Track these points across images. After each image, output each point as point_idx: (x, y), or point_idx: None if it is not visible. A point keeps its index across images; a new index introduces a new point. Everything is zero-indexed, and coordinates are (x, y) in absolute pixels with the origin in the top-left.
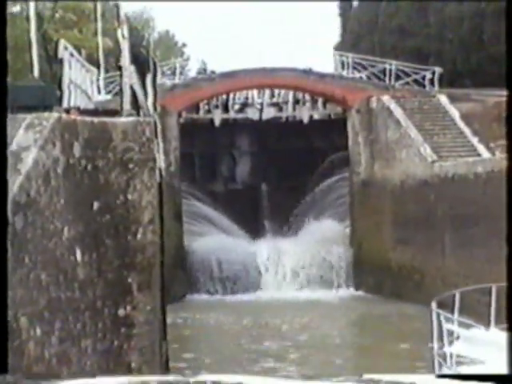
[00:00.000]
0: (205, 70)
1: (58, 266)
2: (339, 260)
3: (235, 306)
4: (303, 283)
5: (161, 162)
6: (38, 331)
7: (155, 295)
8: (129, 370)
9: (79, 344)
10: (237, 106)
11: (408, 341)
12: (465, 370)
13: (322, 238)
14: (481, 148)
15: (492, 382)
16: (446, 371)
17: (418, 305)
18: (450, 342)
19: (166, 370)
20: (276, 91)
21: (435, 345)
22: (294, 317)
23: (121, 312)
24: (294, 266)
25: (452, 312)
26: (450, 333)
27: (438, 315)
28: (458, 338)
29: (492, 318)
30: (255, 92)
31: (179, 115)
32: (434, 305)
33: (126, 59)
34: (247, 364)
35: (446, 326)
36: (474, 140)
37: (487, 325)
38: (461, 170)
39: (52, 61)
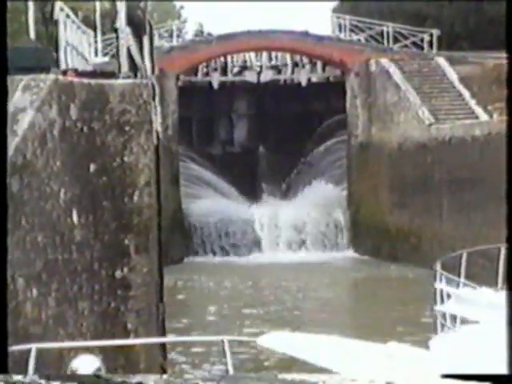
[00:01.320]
0: (201, 32)
1: (55, 228)
2: (336, 223)
3: (233, 268)
4: (300, 246)
5: (158, 124)
6: (35, 293)
7: (152, 257)
8: (125, 332)
9: (76, 306)
10: (235, 69)
11: (406, 304)
12: (467, 330)
13: (319, 200)
14: (479, 111)
15: (492, 382)
16: (447, 331)
17: (415, 267)
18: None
19: (162, 331)
20: (274, 54)
21: (438, 306)
22: (292, 279)
23: (118, 274)
24: (292, 228)
25: (458, 274)
26: (454, 295)
27: (441, 276)
28: (461, 299)
29: (500, 280)
30: (253, 55)
31: (177, 78)
32: (438, 266)
33: (122, 21)
34: (243, 327)
35: (448, 288)
36: (472, 102)
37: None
38: (458, 132)
39: (48, 23)
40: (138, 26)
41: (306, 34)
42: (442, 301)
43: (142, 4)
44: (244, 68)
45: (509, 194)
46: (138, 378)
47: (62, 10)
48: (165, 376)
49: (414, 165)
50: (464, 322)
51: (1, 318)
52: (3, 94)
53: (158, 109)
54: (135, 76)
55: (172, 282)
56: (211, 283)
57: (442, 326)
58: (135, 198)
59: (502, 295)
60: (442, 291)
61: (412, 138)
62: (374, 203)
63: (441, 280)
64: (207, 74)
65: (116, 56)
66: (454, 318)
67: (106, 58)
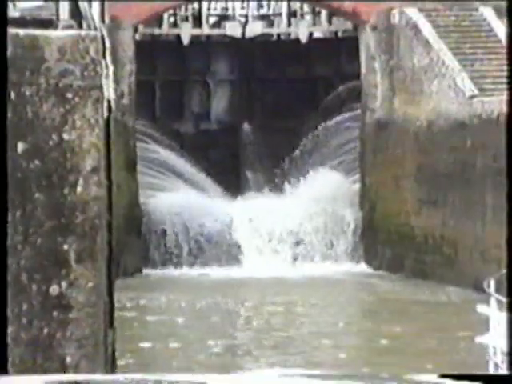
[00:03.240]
0: None
1: None
2: (345, 226)
3: (205, 284)
4: (296, 256)
5: (110, 91)
6: None
7: (100, 268)
8: (63, 367)
9: None
10: (212, 19)
11: (440, 337)
12: None
13: (322, 196)
14: None
15: (492, 382)
16: (503, 370)
17: (449, 286)
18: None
19: (112, 367)
20: (265, 1)
21: (490, 340)
22: (282, 304)
23: (53, 289)
24: (285, 233)
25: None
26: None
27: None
28: None
29: None
30: (237, 2)
31: (135, 30)
32: (490, 285)
33: None
34: (212, 369)
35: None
36: None
37: None
38: (509, 108)
39: None
40: None
41: None
42: (496, 333)
43: None
44: (224, 18)
45: (509, 193)
46: None
47: None
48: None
49: (448, 150)
50: None
51: (1, 318)
52: (3, 92)
53: (111, 70)
54: (79, 26)
55: (125, 302)
56: (176, 305)
57: (496, 365)
58: (78, 188)
59: None
60: (494, 320)
61: (447, 115)
62: (395, 200)
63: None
64: (175, 24)
65: None
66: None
67: (40, 2)
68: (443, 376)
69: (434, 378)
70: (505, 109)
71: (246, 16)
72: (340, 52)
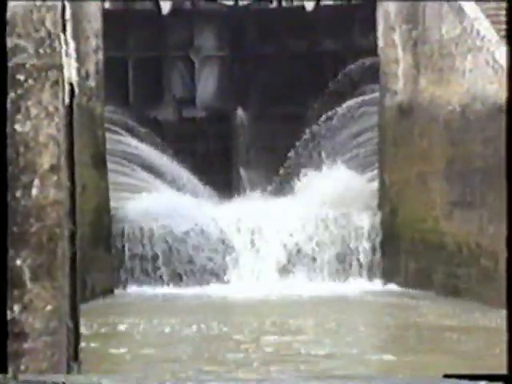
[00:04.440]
0: None
1: None
2: (359, 232)
3: (188, 307)
4: (299, 272)
5: (72, 71)
6: None
7: (61, 288)
8: None
9: None
10: None
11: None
12: None
13: (332, 198)
14: None
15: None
16: None
17: (488, 307)
18: None
19: None
20: None
21: None
22: (287, 331)
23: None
24: (286, 242)
25: None
26: None
27: None
28: None
29: None
30: None
31: None
32: None
33: None
34: None
35: None
36: None
37: None
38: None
39: None
40: None
41: None
42: None
43: None
44: None
45: (509, 191)
46: None
47: None
48: None
49: (486, 140)
50: None
51: (1, 318)
52: (3, 91)
53: (72, 45)
54: None
55: (93, 329)
56: (156, 331)
57: None
58: (33, 191)
59: None
60: None
61: (484, 97)
62: (420, 201)
63: None
64: None
65: None
66: None
67: None
68: (446, 376)
69: (436, 377)
70: None
71: None
72: (353, 22)
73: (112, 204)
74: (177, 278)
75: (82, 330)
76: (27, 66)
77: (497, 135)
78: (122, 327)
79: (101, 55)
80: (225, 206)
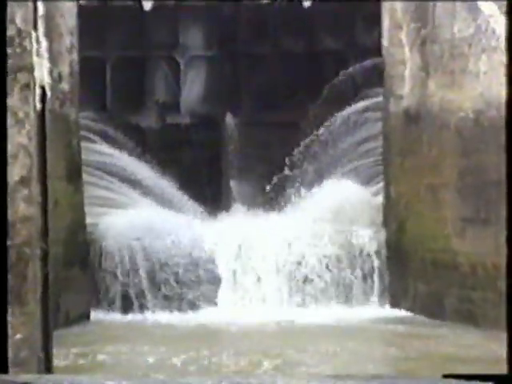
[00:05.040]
0: None
1: None
2: (364, 254)
3: (174, 334)
4: (295, 296)
5: (44, 73)
6: None
7: (32, 314)
8: None
9: None
10: None
11: None
12: None
13: (331, 213)
14: None
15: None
16: None
17: (507, 334)
18: None
19: None
20: None
21: None
22: (285, 364)
23: None
24: (281, 263)
25: None
26: None
27: None
28: None
29: None
30: None
31: None
32: None
33: None
34: None
35: None
36: None
37: None
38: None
39: None
40: None
41: None
42: None
43: None
44: None
45: (509, 196)
46: None
47: None
48: None
49: (502, 150)
50: None
51: (1, 318)
52: (3, 94)
53: (44, 44)
54: None
55: (69, 360)
56: (138, 362)
57: None
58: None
59: None
60: None
61: (500, 103)
62: (430, 217)
63: None
64: None
65: None
66: None
67: None
68: (446, 376)
69: (436, 378)
70: None
71: None
72: (355, 19)
73: (88, 220)
74: (161, 303)
75: (56, 361)
76: None
77: None
78: (100, 357)
79: (76, 55)
80: (214, 222)
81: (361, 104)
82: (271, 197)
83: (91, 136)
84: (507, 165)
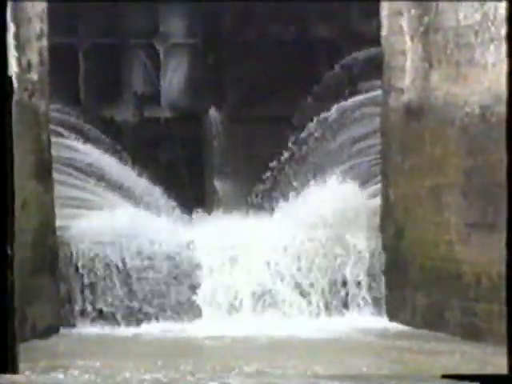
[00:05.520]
0: None
1: None
2: (358, 260)
3: (149, 350)
4: (284, 306)
5: (11, 62)
6: None
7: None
8: None
9: None
10: None
11: None
12: None
13: (325, 217)
14: None
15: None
16: None
17: None
18: None
19: None
20: None
21: None
22: (261, 381)
23: None
24: (269, 271)
25: None
26: None
27: None
28: None
29: None
30: None
31: None
32: None
33: None
34: None
35: None
36: None
37: None
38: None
39: None
40: None
41: None
42: None
43: None
44: None
45: (509, 196)
46: None
47: None
48: None
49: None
50: None
51: (1, 318)
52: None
53: (12, 30)
54: None
55: (35, 377)
56: (112, 379)
57: None
58: None
59: None
60: None
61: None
62: (432, 222)
63: None
64: None
65: None
66: None
67: None
68: (445, 376)
69: (436, 377)
70: None
71: None
72: (351, 4)
73: (58, 223)
74: (137, 314)
75: (21, 378)
76: None
77: None
78: (70, 373)
79: (45, 42)
80: (196, 226)
81: (357, 98)
82: (259, 199)
83: (62, 130)
84: (508, 168)
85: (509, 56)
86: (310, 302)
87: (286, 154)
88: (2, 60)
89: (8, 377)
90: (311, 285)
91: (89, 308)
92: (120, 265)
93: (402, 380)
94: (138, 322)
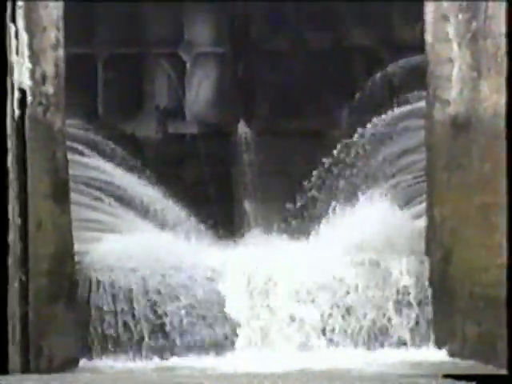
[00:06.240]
0: None
1: None
2: (402, 286)
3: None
4: (323, 339)
5: (23, 74)
6: None
7: (10, 357)
8: None
9: None
10: None
11: None
12: None
13: (365, 240)
14: None
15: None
16: None
17: None
18: None
19: None
20: None
21: None
22: None
23: None
24: (306, 301)
25: None
26: None
27: None
28: None
29: None
30: None
31: None
32: None
33: None
34: None
35: None
36: None
37: None
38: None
39: None
40: None
41: None
42: None
43: None
44: None
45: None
46: None
47: None
48: None
49: None
50: None
51: (1, 318)
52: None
53: (25, 39)
54: None
55: None
56: None
57: None
58: None
59: None
60: None
61: None
62: (481, 244)
63: None
64: None
65: None
66: None
67: None
68: (445, 376)
69: (436, 377)
70: None
71: None
72: (390, 9)
73: (77, 247)
74: (162, 347)
75: None
76: None
77: None
78: None
79: (61, 53)
80: (226, 250)
81: (399, 110)
82: (292, 221)
83: (80, 147)
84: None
85: (508, 55)
86: (349, 333)
87: (322, 171)
88: (2, 60)
89: None
90: (351, 313)
91: (110, 338)
92: (143, 291)
93: (403, 378)
94: (164, 355)
